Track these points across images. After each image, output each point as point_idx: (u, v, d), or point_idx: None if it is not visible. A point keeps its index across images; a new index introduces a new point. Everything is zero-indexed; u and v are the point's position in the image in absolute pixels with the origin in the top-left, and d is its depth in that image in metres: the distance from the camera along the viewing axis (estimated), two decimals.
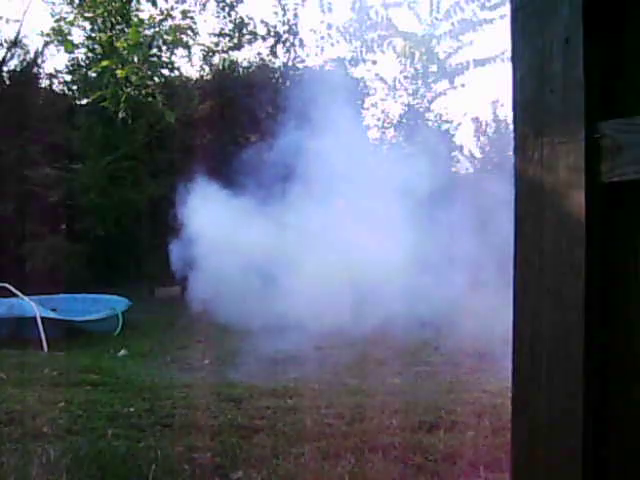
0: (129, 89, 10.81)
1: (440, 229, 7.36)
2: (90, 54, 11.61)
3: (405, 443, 3.64)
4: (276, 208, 7.99)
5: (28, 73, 11.54)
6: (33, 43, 13.18)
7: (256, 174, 8.24)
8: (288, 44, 12.32)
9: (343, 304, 7.13)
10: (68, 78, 12.04)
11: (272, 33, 12.20)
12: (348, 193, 8.40)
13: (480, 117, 15.24)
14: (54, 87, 12.09)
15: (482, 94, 22.27)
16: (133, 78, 10.65)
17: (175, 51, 11.58)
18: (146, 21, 11.22)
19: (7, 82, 11.39)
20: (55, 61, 21.79)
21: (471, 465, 3.27)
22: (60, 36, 11.31)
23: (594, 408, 0.95)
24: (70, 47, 11.44)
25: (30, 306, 7.14)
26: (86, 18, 11.32)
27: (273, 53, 12.37)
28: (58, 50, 11.74)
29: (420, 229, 7.45)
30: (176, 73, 11.75)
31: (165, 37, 11.21)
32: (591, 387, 0.94)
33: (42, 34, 11.39)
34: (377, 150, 12.65)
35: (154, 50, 11.24)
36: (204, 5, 11.79)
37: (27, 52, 11.66)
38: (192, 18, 11.44)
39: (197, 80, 12.33)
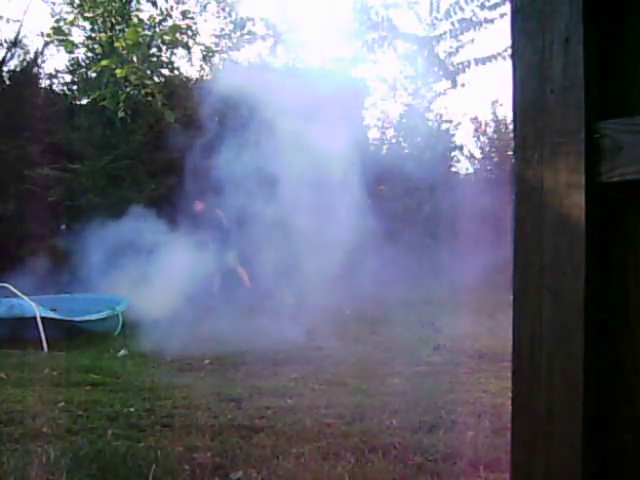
0: (128, 89, 10.81)
1: None
2: (90, 54, 11.61)
3: (405, 443, 3.64)
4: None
5: (28, 73, 11.52)
6: (33, 43, 13.17)
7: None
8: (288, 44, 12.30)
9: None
10: (68, 78, 12.04)
11: (272, 33, 12.17)
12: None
13: (480, 117, 15.20)
14: (54, 87, 12.08)
15: (482, 94, 22.25)
16: (132, 78, 10.65)
17: (175, 51, 11.59)
18: (146, 21, 11.23)
19: (7, 82, 11.37)
20: (55, 61, 21.80)
21: (471, 465, 3.27)
22: (60, 36, 11.31)
23: (594, 408, 0.95)
24: (70, 47, 11.44)
25: (30, 306, 7.12)
26: (86, 18, 11.32)
27: (273, 53, 12.34)
28: (58, 50, 11.75)
29: None
30: (176, 73, 11.74)
31: (164, 37, 11.20)
32: (591, 387, 0.94)
33: (42, 34, 11.40)
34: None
35: (153, 50, 11.24)
36: (204, 7, 11.78)
37: (27, 52, 11.64)
38: (192, 18, 11.45)
39: (197, 80, 12.32)
